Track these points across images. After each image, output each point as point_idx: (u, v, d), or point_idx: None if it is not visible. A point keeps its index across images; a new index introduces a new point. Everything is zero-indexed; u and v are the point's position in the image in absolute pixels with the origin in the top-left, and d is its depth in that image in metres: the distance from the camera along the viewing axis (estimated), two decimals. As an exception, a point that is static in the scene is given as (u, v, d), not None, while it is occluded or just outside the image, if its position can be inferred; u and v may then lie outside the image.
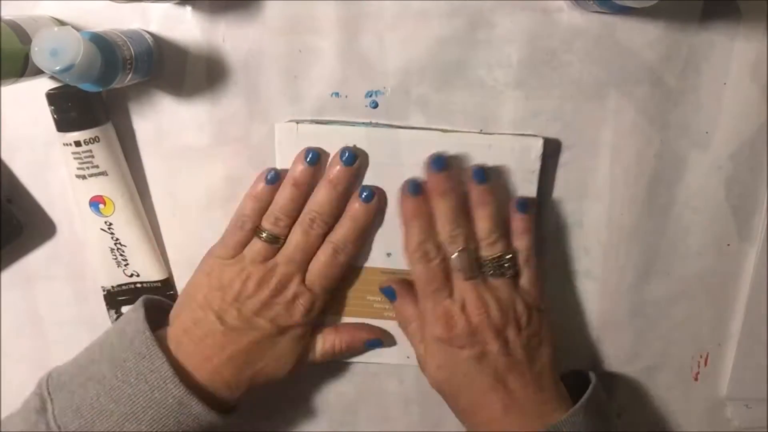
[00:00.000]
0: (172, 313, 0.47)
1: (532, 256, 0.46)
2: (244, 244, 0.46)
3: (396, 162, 0.46)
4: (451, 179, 0.45)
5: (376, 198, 0.46)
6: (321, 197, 0.45)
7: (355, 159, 0.45)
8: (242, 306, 0.45)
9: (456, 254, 0.44)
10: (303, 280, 0.46)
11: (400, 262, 0.48)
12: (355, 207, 0.46)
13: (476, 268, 0.45)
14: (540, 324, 0.45)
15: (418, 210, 0.45)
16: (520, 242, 0.46)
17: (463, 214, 0.45)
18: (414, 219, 0.45)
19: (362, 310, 0.50)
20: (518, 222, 0.46)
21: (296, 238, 0.45)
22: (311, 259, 0.46)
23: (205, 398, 0.43)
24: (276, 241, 0.45)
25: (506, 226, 0.46)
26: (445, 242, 0.45)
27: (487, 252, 0.45)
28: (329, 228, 0.46)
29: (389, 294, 0.48)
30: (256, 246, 0.46)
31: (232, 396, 0.45)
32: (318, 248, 0.46)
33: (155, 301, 0.49)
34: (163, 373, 0.42)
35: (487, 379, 0.44)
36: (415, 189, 0.45)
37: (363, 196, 0.46)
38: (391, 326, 0.50)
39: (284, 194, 0.46)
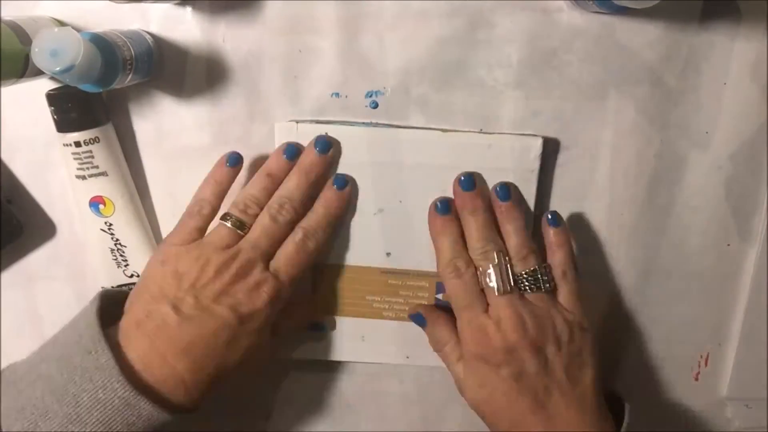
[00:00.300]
0: (126, 305, 0.43)
1: (570, 270, 0.45)
2: (203, 230, 0.44)
3: (396, 162, 0.46)
4: (479, 197, 0.45)
5: (350, 186, 0.46)
6: (292, 184, 0.44)
7: (329, 147, 0.45)
8: (199, 293, 0.42)
9: (489, 269, 0.43)
10: (267, 268, 0.43)
11: (399, 261, 0.48)
12: (328, 195, 0.45)
13: (510, 283, 0.43)
14: (582, 342, 0.44)
15: (448, 227, 0.45)
16: (556, 256, 0.45)
17: (494, 230, 0.45)
18: (444, 236, 0.45)
19: (361, 309, 0.50)
20: (552, 236, 0.45)
21: (263, 222, 0.44)
22: (277, 248, 0.44)
23: (157, 397, 0.39)
24: (242, 227, 0.44)
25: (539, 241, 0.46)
26: (477, 259, 0.44)
27: (521, 267, 0.44)
28: (298, 216, 0.44)
29: (419, 320, 0.48)
30: (221, 232, 0.44)
31: (189, 396, 0.41)
32: (285, 237, 0.44)
33: (117, 293, 0.45)
34: (109, 371, 0.38)
35: (526, 400, 0.42)
36: (444, 209, 0.45)
37: (336, 183, 0.45)
38: (389, 326, 0.50)
39: (257, 184, 0.45)
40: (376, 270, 0.49)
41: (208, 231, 0.45)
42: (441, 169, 0.46)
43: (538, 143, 0.46)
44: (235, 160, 0.45)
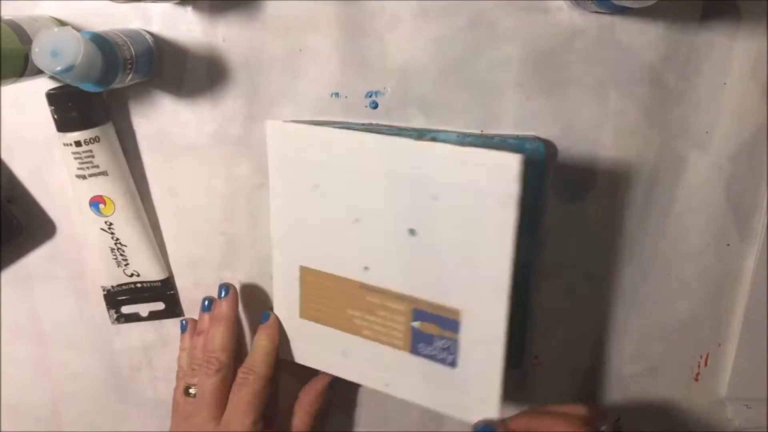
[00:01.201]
0: None
1: None
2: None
3: (370, 169, 0.43)
4: None
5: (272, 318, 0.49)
6: (210, 336, 0.49)
7: (228, 291, 0.49)
8: None
9: None
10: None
11: (377, 278, 0.45)
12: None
13: None
14: None
15: None
16: None
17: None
18: None
19: (342, 323, 0.47)
20: None
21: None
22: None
23: None
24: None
25: None
26: None
27: None
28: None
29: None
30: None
31: None
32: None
33: None
34: None
35: None
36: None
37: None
38: (368, 347, 0.47)
39: (193, 344, 0.50)
40: (355, 283, 0.46)
41: None
42: (413, 181, 0.42)
43: (516, 161, 0.38)
44: (184, 327, 0.52)
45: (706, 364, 0.53)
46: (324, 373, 0.51)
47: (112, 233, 0.48)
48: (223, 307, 0.49)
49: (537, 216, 0.48)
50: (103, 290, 0.52)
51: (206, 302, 0.50)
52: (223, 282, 0.50)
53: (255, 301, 0.52)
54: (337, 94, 0.47)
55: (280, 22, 0.45)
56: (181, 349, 0.51)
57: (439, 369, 0.45)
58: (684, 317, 0.51)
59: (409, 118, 0.47)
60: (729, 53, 0.45)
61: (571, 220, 0.49)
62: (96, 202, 0.47)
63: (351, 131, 0.43)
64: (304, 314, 0.49)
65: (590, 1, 0.41)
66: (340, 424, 0.55)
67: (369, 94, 0.47)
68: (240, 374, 0.47)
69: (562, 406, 0.43)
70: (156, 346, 0.54)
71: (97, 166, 0.46)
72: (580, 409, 0.42)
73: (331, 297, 0.47)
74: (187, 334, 0.51)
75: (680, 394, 0.53)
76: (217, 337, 0.48)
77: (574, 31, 0.45)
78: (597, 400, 0.54)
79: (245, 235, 0.50)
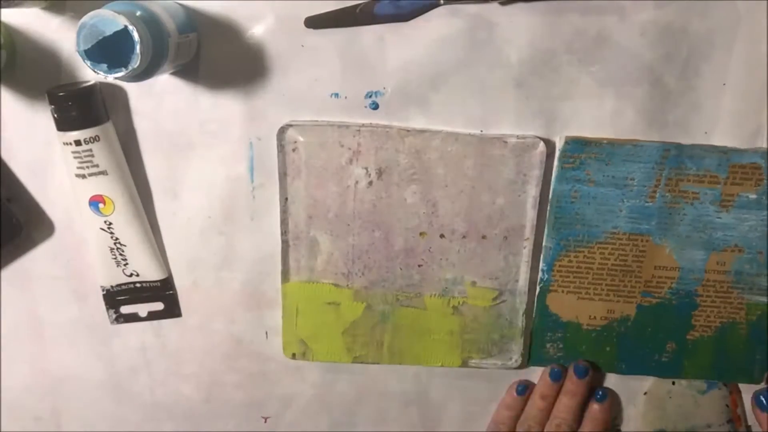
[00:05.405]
0: None
1: None
2: None
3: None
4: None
5: (610, 397, 0.52)
6: (562, 406, 0.51)
7: (587, 372, 0.51)
8: None
9: None
10: None
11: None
12: (594, 408, 0.52)
13: None
14: None
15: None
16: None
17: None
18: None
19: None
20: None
21: None
22: None
23: None
24: None
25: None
26: None
27: None
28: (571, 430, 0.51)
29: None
30: None
31: None
32: None
33: None
34: None
35: None
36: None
37: (597, 396, 0.52)
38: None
39: (534, 405, 0.52)
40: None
41: None
42: None
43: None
44: (522, 390, 0.53)
45: (706, 365, 0.53)
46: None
47: (111, 233, 0.48)
48: (577, 385, 0.51)
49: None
50: (103, 290, 0.51)
51: (554, 372, 0.52)
52: (580, 361, 0.52)
53: (254, 301, 0.52)
54: (337, 95, 0.47)
55: (280, 22, 0.45)
56: (506, 406, 0.53)
57: None
58: (684, 318, 0.51)
59: (409, 118, 0.47)
60: (729, 53, 0.45)
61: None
62: (96, 202, 0.47)
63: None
64: None
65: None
66: (341, 424, 0.55)
67: (369, 95, 0.47)
68: None
69: None
70: (154, 348, 0.54)
71: (97, 166, 0.46)
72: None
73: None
74: (519, 397, 0.53)
75: (680, 394, 0.53)
76: (567, 408, 0.51)
77: (574, 31, 0.45)
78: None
79: (245, 235, 0.50)
